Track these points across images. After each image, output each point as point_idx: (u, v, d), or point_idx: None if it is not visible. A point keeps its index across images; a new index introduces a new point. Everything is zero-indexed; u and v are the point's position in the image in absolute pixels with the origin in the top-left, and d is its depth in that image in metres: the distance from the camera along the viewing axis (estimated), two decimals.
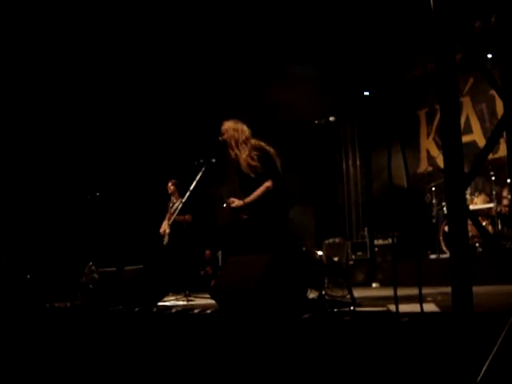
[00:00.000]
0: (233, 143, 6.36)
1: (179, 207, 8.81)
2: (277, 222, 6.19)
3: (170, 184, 10.10)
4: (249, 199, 6.23)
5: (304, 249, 6.36)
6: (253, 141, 6.36)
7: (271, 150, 6.36)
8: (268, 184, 6.18)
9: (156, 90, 12.03)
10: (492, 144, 3.48)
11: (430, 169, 12.26)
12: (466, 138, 11.24)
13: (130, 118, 12.25)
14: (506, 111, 3.33)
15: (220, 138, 6.45)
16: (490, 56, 9.46)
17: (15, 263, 9.84)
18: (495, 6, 3.49)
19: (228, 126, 6.44)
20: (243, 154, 6.27)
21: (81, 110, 11.94)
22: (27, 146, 11.69)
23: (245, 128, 6.46)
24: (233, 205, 6.26)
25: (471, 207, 9.85)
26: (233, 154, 6.36)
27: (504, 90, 3.35)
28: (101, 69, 11.40)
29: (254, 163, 6.18)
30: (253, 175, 6.19)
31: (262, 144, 6.36)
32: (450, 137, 3.45)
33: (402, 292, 5.82)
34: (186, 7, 10.06)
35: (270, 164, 6.27)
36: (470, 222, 3.41)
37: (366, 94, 12.84)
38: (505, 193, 9.69)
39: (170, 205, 9.96)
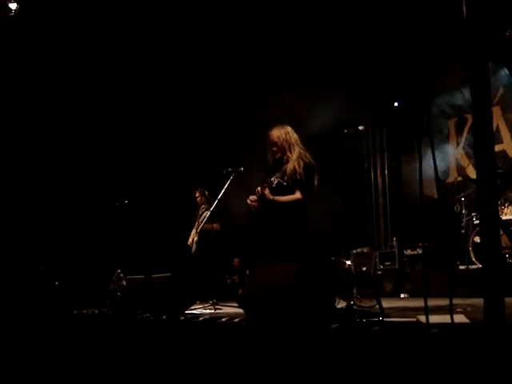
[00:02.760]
0: (286, 146, 6.32)
1: (207, 216, 8.83)
2: (305, 232, 6.17)
3: (197, 194, 10.14)
4: (278, 198, 6.21)
5: (332, 258, 6.33)
6: (301, 147, 6.35)
7: (315, 165, 6.35)
8: (299, 196, 6.17)
9: (184, 100, 12.09)
10: None
11: (460, 179, 12.17)
12: (496, 148, 11.13)
13: (161, 127, 12.32)
14: None
15: (274, 149, 6.40)
16: None
17: (44, 270, 9.91)
18: None
19: (279, 132, 6.39)
20: (294, 156, 6.25)
21: (113, 120, 12.04)
22: (58, 153, 11.80)
23: (292, 130, 6.45)
24: (265, 192, 6.23)
25: (501, 218, 9.75)
26: (285, 158, 6.32)
27: None
28: (130, 80, 11.49)
29: (299, 170, 6.15)
30: (290, 182, 6.17)
31: (309, 155, 6.34)
32: (482, 147, 3.42)
33: (431, 303, 5.76)
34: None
35: (311, 178, 6.26)
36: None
37: (396, 104, 12.80)
38: None
39: (199, 213, 10.00)
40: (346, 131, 6.56)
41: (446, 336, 3.51)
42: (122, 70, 11.29)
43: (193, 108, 12.29)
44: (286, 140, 6.31)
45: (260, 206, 6.31)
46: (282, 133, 6.35)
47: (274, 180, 6.28)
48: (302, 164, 6.16)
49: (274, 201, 6.21)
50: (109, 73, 11.31)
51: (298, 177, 6.12)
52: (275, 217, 6.22)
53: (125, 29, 10.39)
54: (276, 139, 6.36)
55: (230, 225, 9.61)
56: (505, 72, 9.93)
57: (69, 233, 11.54)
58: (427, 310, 3.78)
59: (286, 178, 6.19)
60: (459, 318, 4.20)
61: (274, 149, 6.38)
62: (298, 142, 6.36)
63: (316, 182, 6.32)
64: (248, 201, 6.37)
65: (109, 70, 11.27)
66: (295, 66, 10.84)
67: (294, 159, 6.20)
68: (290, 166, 6.19)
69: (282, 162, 6.33)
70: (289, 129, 6.42)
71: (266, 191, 6.23)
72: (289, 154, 6.28)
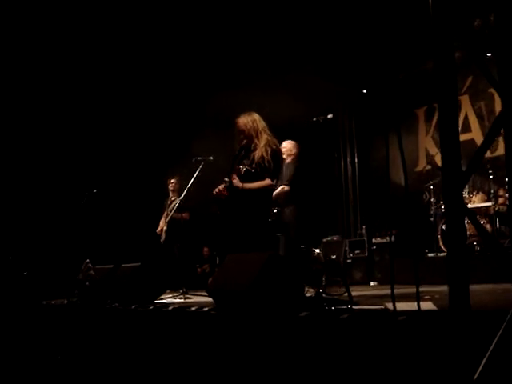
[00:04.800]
0: (253, 134, 6.30)
1: (177, 205, 8.80)
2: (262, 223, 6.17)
3: (173, 181, 10.05)
4: (248, 185, 6.20)
5: (301, 247, 6.35)
6: (268, 134, 6.34)
7: (282, 151, 6.34)
8: (270, 182, 6.16)
9: (151, 87, 12.00)
10: (489, 141, 3.47)
11: (429, 167, 12.26)
12: (464, 137, 11.25)
13: (127, 115, 12.22)
14: (504, 109, 3.32)
15: (241, 136, 6.39)
16: (489, 54, 9.43)
17: (12, 260, 9.81)
18: (494, 4, 3.47)
19: (245, 119, 6.37)
20: (261, 143, 6.24)
21: (79, 107, 11.91)
22: (24, 142, 11.66)
23: (259, 117, 6.44)
24: (234, 181, 6.22)
25: (469, 206, 9.85)
26: (252, 145, 6.32)
27: (502, 88, 3.34)
28: (97, 65, 11.37)
29: (267, 157, 6.14)
30: (258, 169, 6.17)
31: (277, 142, 6.34)
32: (447, 135, 3.44)
33: (399, 290, 5.83)
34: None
35: (279, 164, 6.26)
36: (468, 220, 3.41)
37: (364, 91, 12.85)
38: (503, 191, 9.68)
39: (168, 202, 9.95)
40: (314, 119, 6.56)
41: (413, 323, 3.54)
42: (90, 56, 11.15)
43: (161, 95, 12.21)
44: (254, 127, 6.29)
45: (230, 194, 6.29)
46: (248, 120, 6.33)
47: (242, 168, 6.27)
48: (269, 151, 6.16)
49: (243, 188, 6.20)
50: (77, 59, 11.17)
51: (267, 163, 6.12)
52: (246, 204, 6.21)
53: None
54: (243, 127, 6.34)
55: (199, 214, 9.60)
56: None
57: (37, 222, 11.43)
58: (394, 298, 3.81)
59: (254, 165, 6.19)
60: (427, 306, 4.23)
61: (242, 136, 6.37)
62: (266, 129, 6.34)
63: (284, 168, 6.33)
64: (216, 190, 6.34)
65: (77, 57, 11.12)
66: (263, 53, 10.81)
67: (262, 146, 6.19)
68: (257, 154, 6.19)
69: (249, 149, 6.32)
70: (256, 116, 6.40)
71: (235, 179, 6.21)
72: (256, 141, 6.27)
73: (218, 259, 9.38)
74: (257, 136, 6.28)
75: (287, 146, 7.64)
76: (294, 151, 7.68)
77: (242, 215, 6.23)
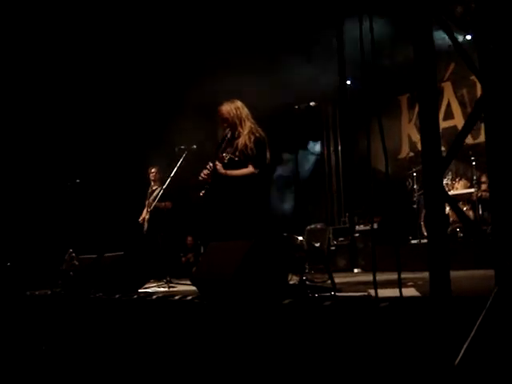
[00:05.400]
0: (237, 121, 6.28)
1: (159, 194, 8.78)
2: (258, 208, 6.17)
3: (153, 170, 10.03)
4: (231, 172, 6.19)
5: (285, 234, 6.35)
6: (252, 122, 6.32)
7: (266, 139, 6.32)
8: (252, 170, 6.15)
9: (133, 77, 11.94)
10: (470, 126, 3.49)
11: (412, 154, 12.31)
12: (447, 124, 11.31)
13: (109, 104, 12.16)
14: (483, 94, 3.33)
15: (225, 125, 6.37)
16: (468, 38, 9.44)
17: None
18: None
19: (229, 107, 6.35)
20: (245, 131, 6.22)
21: (62, 97, 11.84)
22: (6, 132, 11.58)
23: (243, 104, 6.42)
24: (217, 167, 6.21)
25: (452, 192, 9.90)
26: (236, 133, 6.30)
27: (482, 74, 3.35)
28: (77, 58, 11.31)
29: (250, 145, 6.13)
30: (241, 157, 6.16)
31: (260, 130, 6.32)
32: (427, 121, 3.45)
33: (383, 277, 5.86)
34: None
35: (263, 152, 6.23)
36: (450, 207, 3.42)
37: (348, 82, 12.84)
38: (485, 178, 9.72)
39: (150, 191, 9.92)
40: (297, 107, 6.55)
41: (395, 309, 3.56)
42: (67, 48, 11.08)
43: (143, 85, 12.15)
44: (237, 115, 6.28)
45: (213, 181, 6.29)
46: (231, 108, 6.32)
47: (226, 156, 6.26)
48: (252, 138, 6.15)
49: (226, 175, 6.20)
50: (55, 51, 11.09)
51: (250, 151, 6.11)
52: (229, 192, 6.22)
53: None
54: (226, 115, 6.33)
55: (182, 203, 9.59)
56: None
57: (20, 213, 11.37)
58: (376, 285, 3.82)
59: (237, 153, 6.18)
60: (409, 292, 4.27)
61: (225, 125, 6.36)
62: (249, 116, 6.33)
63: (268, 156, 6.31)
64: (201, 175, 6.33)
65: (54, 49, 11.05)
66: (245, 39, 10.79)
67: (245, 134, 6.18)
68: (241, 141, 6.18)
69: (233, 137, 6.31)
70: (239, 104, 6.38)
71: (218, 166, 6.21)
72: (240, 129, 6.26)
73: (202, 248, 9.38)
74: (240, 124, 6.27)
75: None
76: None
77: (225, 202, 6.23)
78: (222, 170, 6.20)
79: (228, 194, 6.23)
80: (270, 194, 6.35)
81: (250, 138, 6.16)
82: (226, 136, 6.37)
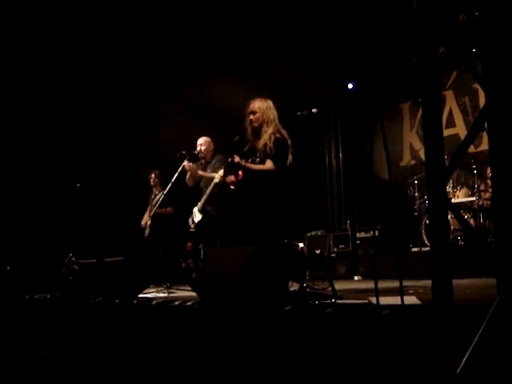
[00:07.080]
0: (264, 119, 6.25)
1: (161, 199, 8.78)
2: (276, 209, 6.11)
3: (152, 175, 10.04)
4: (250, 165, 6.19)
5: (286, 241, 6.33)
6: (278, 125, 6.30)
7: (289, 142, 6.28)
8: (272, 165, 6.11)
9: (134, 81, 11.94)
10: (473, 136, 3.48)
11: (413, 162, 12.29)
12: (448, 132, 11.28)
13: (112, 109, 12.16)
14: (487, 103, 3.33)
15: (252, 117, 6.30)
16: (474, 50, 9.43)
17: None
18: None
19: (261, 104, 6.33)
20: (269, 130, 6.20)
21: (63, 101, 11.84)
22: (6, 136, 11.58)
23: (274, 106, 6.40)
24: (236, 159, 6.19)
25: (453, 201, 9.87)
26: (262, 130, 6.25)
27: (486, 83, 3.34)
28: (82, 63, 11.31)
29: (270, 144, 6.10)
30: (261, 156, 6.15)
31: (285, 132, 6.31)
32: (431, 130, 3.44)
33: (384, 285, 5.84)
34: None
35: (283, 152, 6.17)
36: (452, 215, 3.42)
37: (350, 86, 12.84)
38: (486, 186, 9.71)
39: (152, 197, 9.92)
40: (299, 113, 6.54)
41: (397, 317, 3.55)
42: (67, 54, 11.08)
43: (146, 89, 12.15)
44: (267, 113, 6.25)
45: (235, 173, 6.31)
46: (263, 105, 6.28)
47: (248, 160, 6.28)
48: (273, 138, 6.10)
49: (245, 167, 6.17)
50: (56, 57, 11.10)
51: (268, 150, 6.07)
52: (251, 189, 6.21)
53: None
54: (256, 109, 6.28)
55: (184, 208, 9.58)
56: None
57: (20, 217, 11.37)
58: (378, 292, 3.81)
59: (257, 153, 6.19)
60: (411, 300, 4.25)
61: (251, 117, 6.29)
62: (277, 119, 6.29)
63: (290, 159, 6.26)
64: (229, 179, 6.37)
65: (55, 55, 11.05)
66: (247, 44, 10.79)
67: (268, 133, 6.16)
68: (261, 142, 6.16)
69: (257, 134, 6.29)
70: (271, 103, 6.35)
71: (237, 158, 6.17)
72: (265, 127, 6.21)
73: (202, 253, 9.37)
74: (267, 123, 6.22)
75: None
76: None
77: (246, 200, 6.23)
78: (242, 162, 6.18)
79: (250, 191, 6.22)
80: (292, 198, 6.28)
81: (270, 138, 6.12)
82: (237, 142, 6.37)
